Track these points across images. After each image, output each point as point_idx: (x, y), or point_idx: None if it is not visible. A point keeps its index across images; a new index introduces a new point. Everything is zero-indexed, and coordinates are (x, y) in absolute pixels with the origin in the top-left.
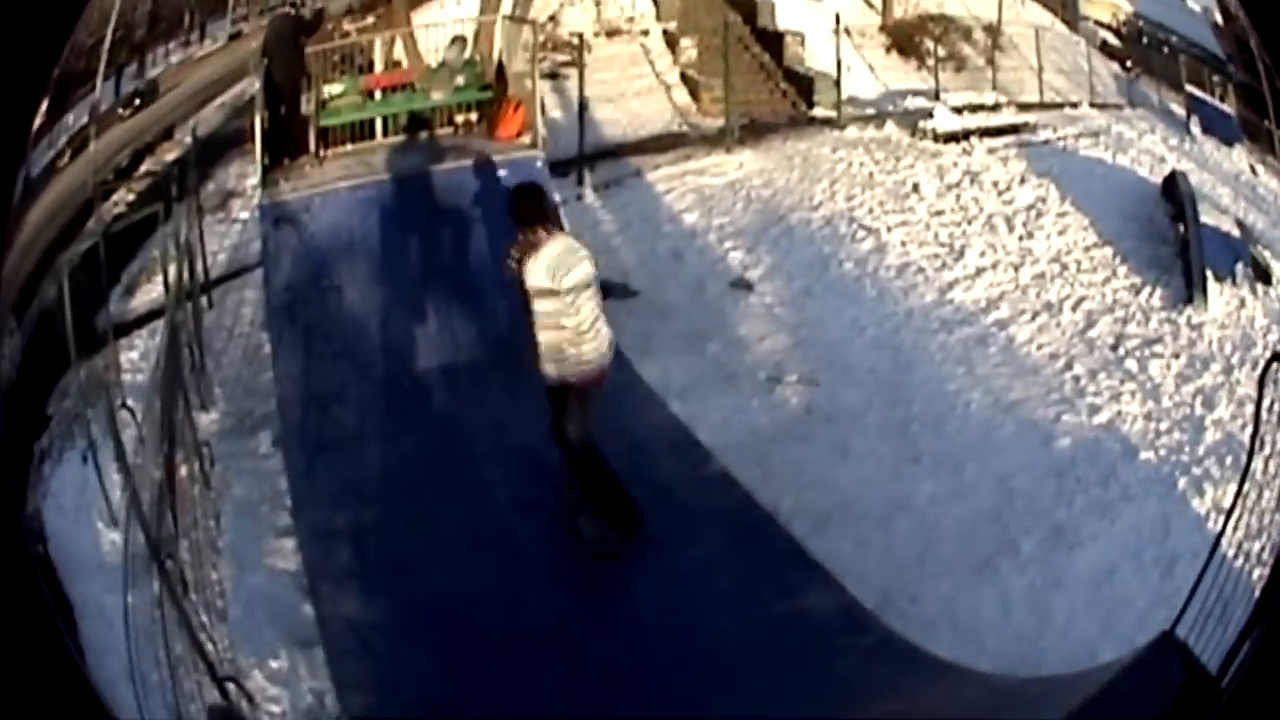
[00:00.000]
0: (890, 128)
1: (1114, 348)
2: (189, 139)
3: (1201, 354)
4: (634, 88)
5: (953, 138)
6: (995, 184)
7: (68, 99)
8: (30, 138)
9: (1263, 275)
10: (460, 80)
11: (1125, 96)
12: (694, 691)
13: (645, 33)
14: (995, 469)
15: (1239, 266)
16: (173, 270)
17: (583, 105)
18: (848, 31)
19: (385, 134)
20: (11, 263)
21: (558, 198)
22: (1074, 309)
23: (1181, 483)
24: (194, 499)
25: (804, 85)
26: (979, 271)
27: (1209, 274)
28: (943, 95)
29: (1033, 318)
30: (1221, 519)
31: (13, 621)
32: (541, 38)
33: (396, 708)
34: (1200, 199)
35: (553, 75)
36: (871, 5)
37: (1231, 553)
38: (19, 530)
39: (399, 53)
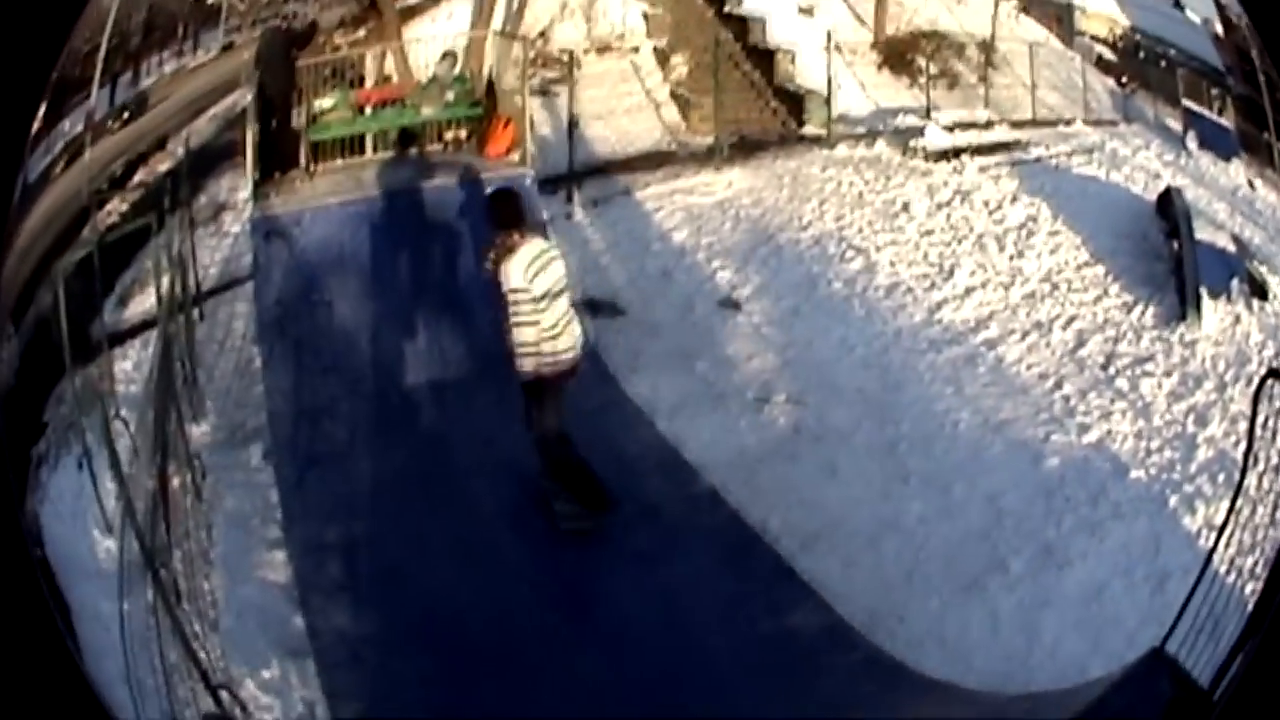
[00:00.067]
0: (880, 146)
1: (1105, 367)
2: (181, 150)
3: (1194, 371)
4: (624, 105)
5: (944, 156)
6: (986, 203)
7: (64, 105)
8: (28, 142)
9: (1259, 291)
10: (450, 96)
11: (1121, 112)
12: (682, 709)
13: (636, 49)
14: (984, 488)
15: (1234, 283)
16: (165, 282)
17: (573, 122)
18: (839, 48)
19: (375, 149)
20: (10, 267)
21: (545, 215)
22: (1064, 328)
23: (1173, 500)
24: (186, 510)
25: (794, 103)
26: (968, 291)
27: (1203, 291)
28: (934, 113)
29: (1022, 337)
30: (1213, 535)
31: (13, 622)
32: (532, 54)
33: (387, 718)
34: (1196, 215)
35: (543, 91)
36: (864, 22)
37: (1224, 568)
38: (19, 532)
39: (390, 67)
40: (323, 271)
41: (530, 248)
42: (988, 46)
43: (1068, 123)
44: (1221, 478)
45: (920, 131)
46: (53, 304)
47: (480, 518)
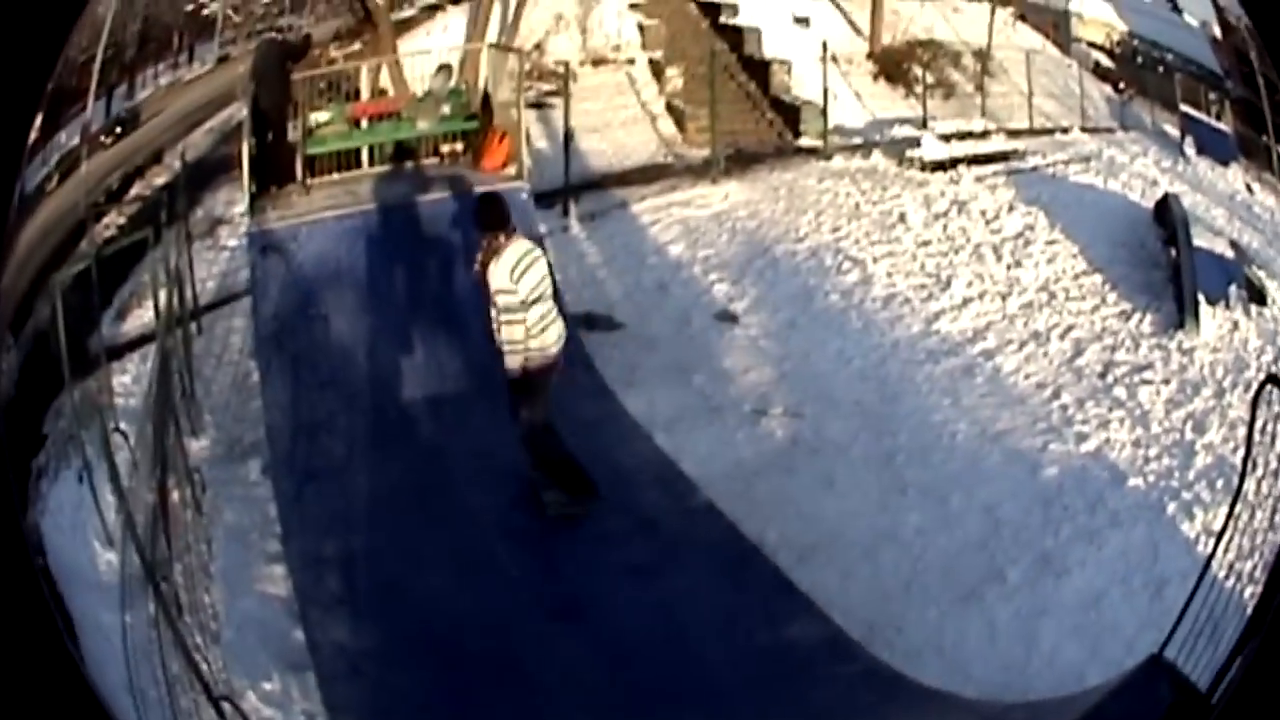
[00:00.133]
0: (877, 157)
1: (1102, 375)
2: (178, 164)
3: (1192, 379)
4: (619, 118)
5: (940, 166)
6: (983, 213)
7: (60, 117)
8: (25, 152)
9: (1257, 296)
10: (446, 109)
11: (1118, 119)
12: None
13: (631, 61)
14: (982, 499)
15: (1232, 289)
16: (163, 297)
17: (568, 135)
18: (835, 59)
19: (371, 163)
20: (7, 279)
21: (543, 229)
22: (1062, 337)
23: (1171, 507)
24: (187, 524)
25: (790, 114)
26: (966, 301)
27: (1201, 298)
28: (931, 123)
29: (1020, 347)
30: (1211, 541)
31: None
32: (527, 66)
33: None
34: (1194, 221)
35: (538, 105)
36: (859, 32)
37: (1223, 573)
38: (21, 542)
39: (385, 80)
40: (319, 286)
41: (515, 249)
42: (984, 55)
43: (1065, 131)
44: (1220, 483)
45: (917, 142)
46: (51, 317)
47: (478, 531)
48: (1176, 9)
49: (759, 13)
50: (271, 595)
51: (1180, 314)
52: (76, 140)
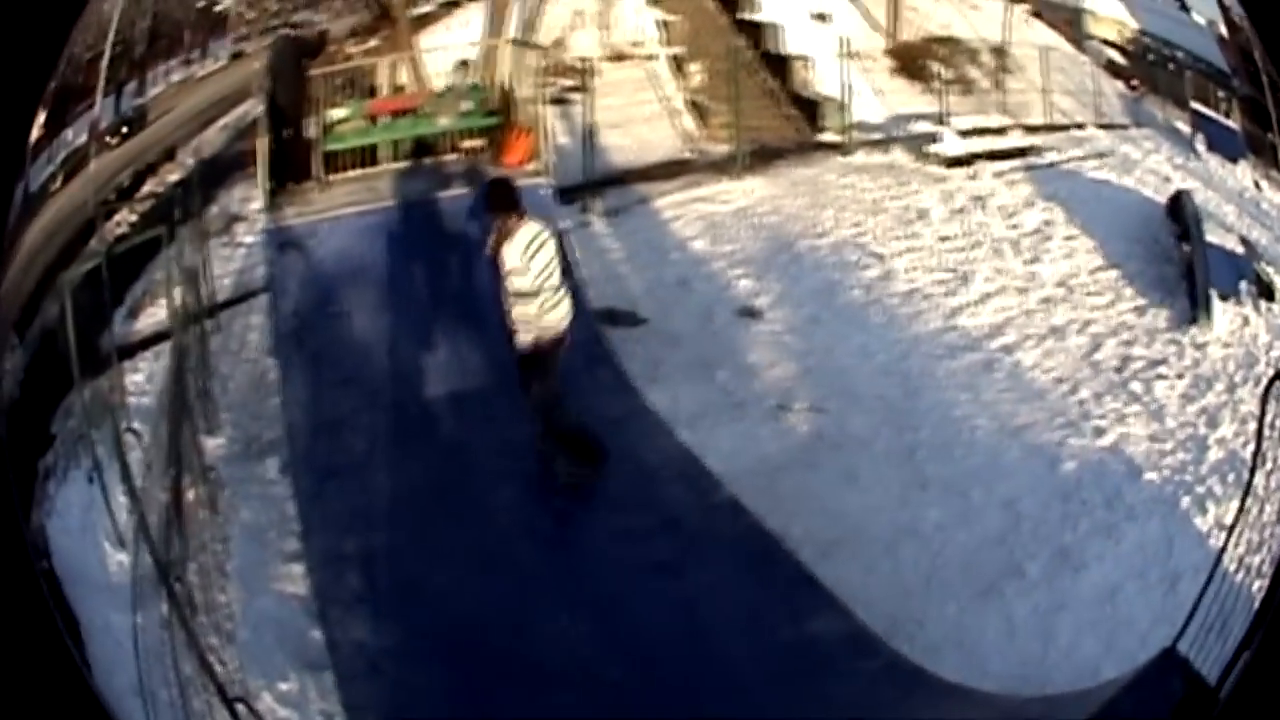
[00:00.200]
0: (896, 152)
1: (1119, 370)
2: (192, 161)
3: (1205, 374)
4: (641, 113)
5: (959, 162)
6: (1002, 208)
7: (66, 114)
8: (28, 151)
9: (1266, 292)
10: (466, 105)
11: (1131, 116)
12: (704, 717)
13: (653, 57)
14: (1001, 493)
15: (1243, 284)
16: (177, 295)
17: (590, 131)
18: (854, 55)
19: (391, 159)
20: (11, 279)
21: (566, 224)
22: (1080, 332)
23: (1185, 501)
24: (202, 522)
25: (811, 110)
26: (985, 297)
27: (1213, 293)
28: (949, 119)
29: (1039, 342)
30: (1224, 535)
31: (19, 635)
32: (548, 62)
33: None
34: (1205, 217)
35: (559, 101)
36: (878, 28)
37: (1233, 567)
38: (23, 545)
39: (403, 76)
40: (339, 283)
41: (526, 230)
42: (1001, 51)
43: (1080, 127)
44: (1231, 478)
45: (936, 137)
46: (59, 316)
47: (499, 528)
48: (1185, 7)
49: (779, 9)
50: (289, 594)
51: (1194, 309)
52: (84, 138)
